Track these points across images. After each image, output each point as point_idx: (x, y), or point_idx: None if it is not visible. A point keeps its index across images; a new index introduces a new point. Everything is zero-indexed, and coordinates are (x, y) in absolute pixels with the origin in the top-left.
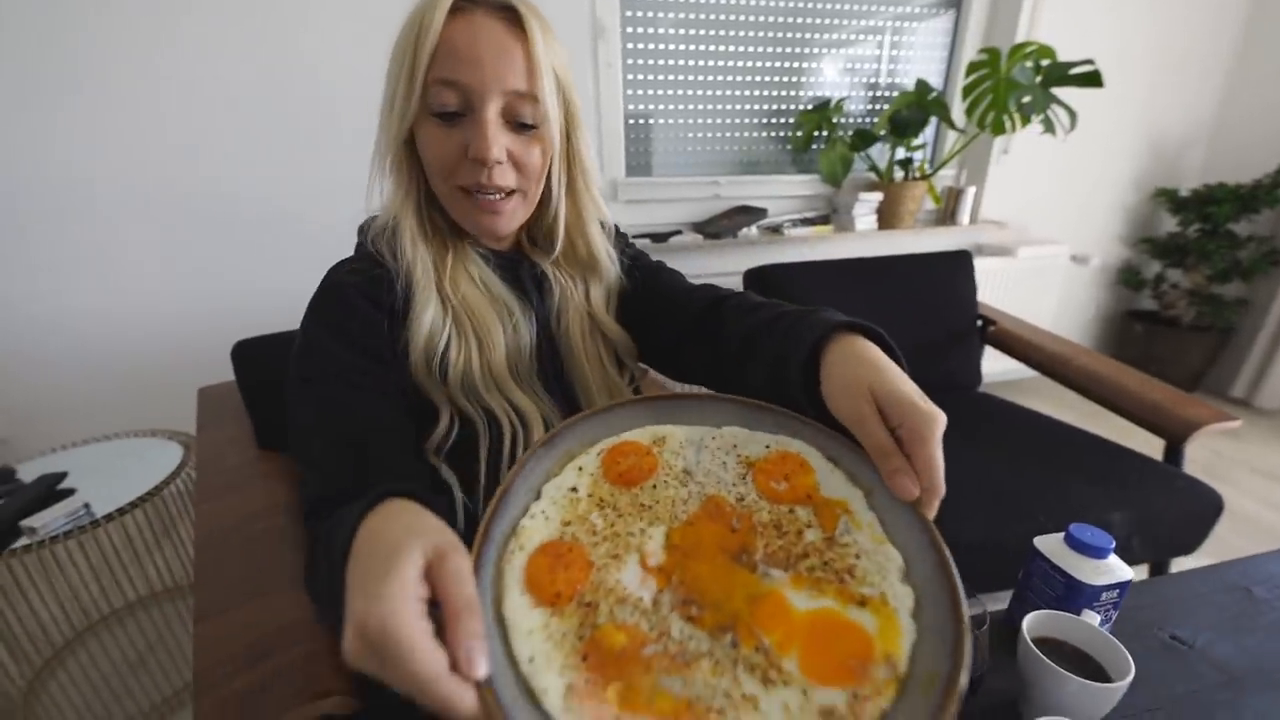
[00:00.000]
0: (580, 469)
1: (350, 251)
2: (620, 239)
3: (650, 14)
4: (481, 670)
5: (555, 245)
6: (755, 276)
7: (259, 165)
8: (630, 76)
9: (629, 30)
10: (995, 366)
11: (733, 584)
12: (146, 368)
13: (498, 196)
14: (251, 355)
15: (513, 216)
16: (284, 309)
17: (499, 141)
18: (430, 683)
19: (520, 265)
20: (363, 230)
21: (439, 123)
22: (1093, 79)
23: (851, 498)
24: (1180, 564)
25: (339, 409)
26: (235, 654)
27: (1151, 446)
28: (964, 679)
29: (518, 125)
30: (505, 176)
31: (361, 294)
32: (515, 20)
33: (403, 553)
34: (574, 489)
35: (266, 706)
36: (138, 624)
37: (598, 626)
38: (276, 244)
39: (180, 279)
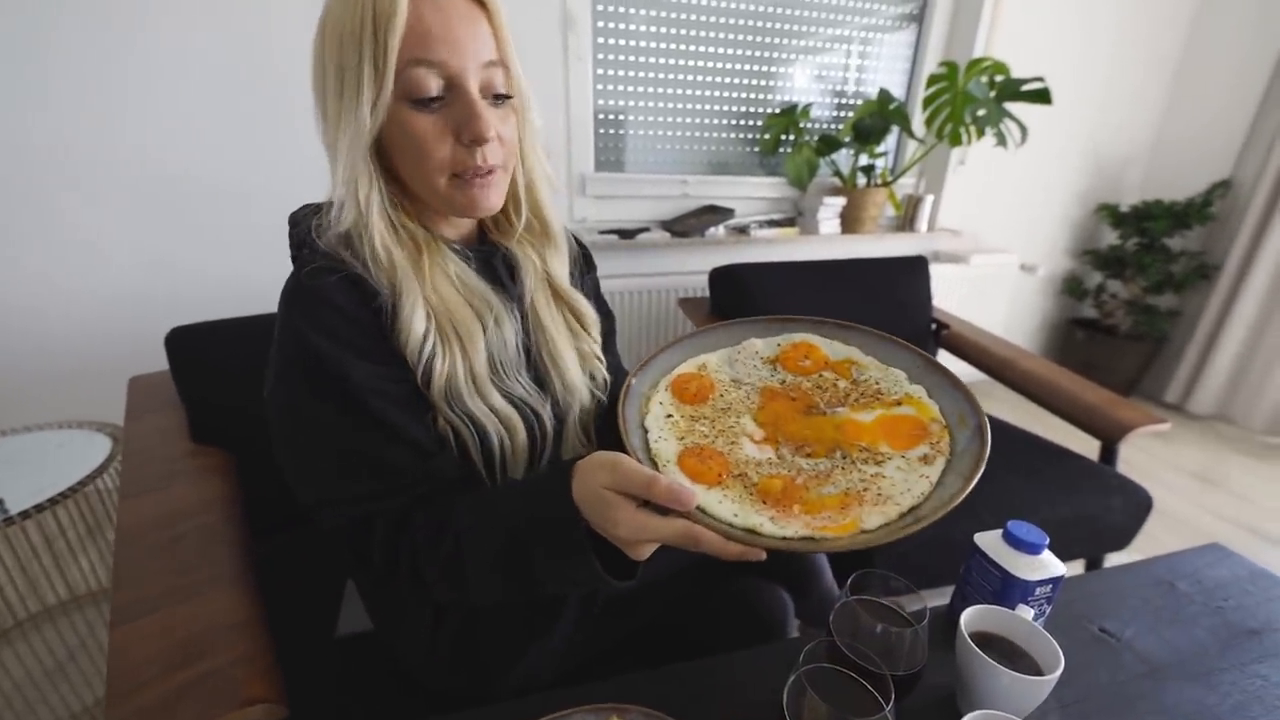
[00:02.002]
0: (661, 403)
1: (284, 236)
2: (586, 261)
3: (622, 9)
4: (691, 501)
5: (521, 216)
6: (721, 275)
7: (203, 147)
8: (601, 72)
9: (600, 25)
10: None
11: (819, 426)
12: (73, 354)
13: (487, 171)
14: (187, 343)
15: (498, 190)
16: (222, 296)
17: (490, 119)
18: (683, 533)
19: (493, 256)
20: (297, 221)
21: (418, 109)
22: (1042, 96)
23: (851, 354)
24: (1113, 559)
25: (375, 421)
26: (154, 659)
27: (1088, 447)
28: (981, 413)
29: (494, 97)
30: (495, 154)
31: (352, 301)
32: None
33: (610, 497)
34: (669, 415)
35: (186, 716)
36: (57, 630)
37: (756, 483)
38: (216, 228)
39: (112, 261)
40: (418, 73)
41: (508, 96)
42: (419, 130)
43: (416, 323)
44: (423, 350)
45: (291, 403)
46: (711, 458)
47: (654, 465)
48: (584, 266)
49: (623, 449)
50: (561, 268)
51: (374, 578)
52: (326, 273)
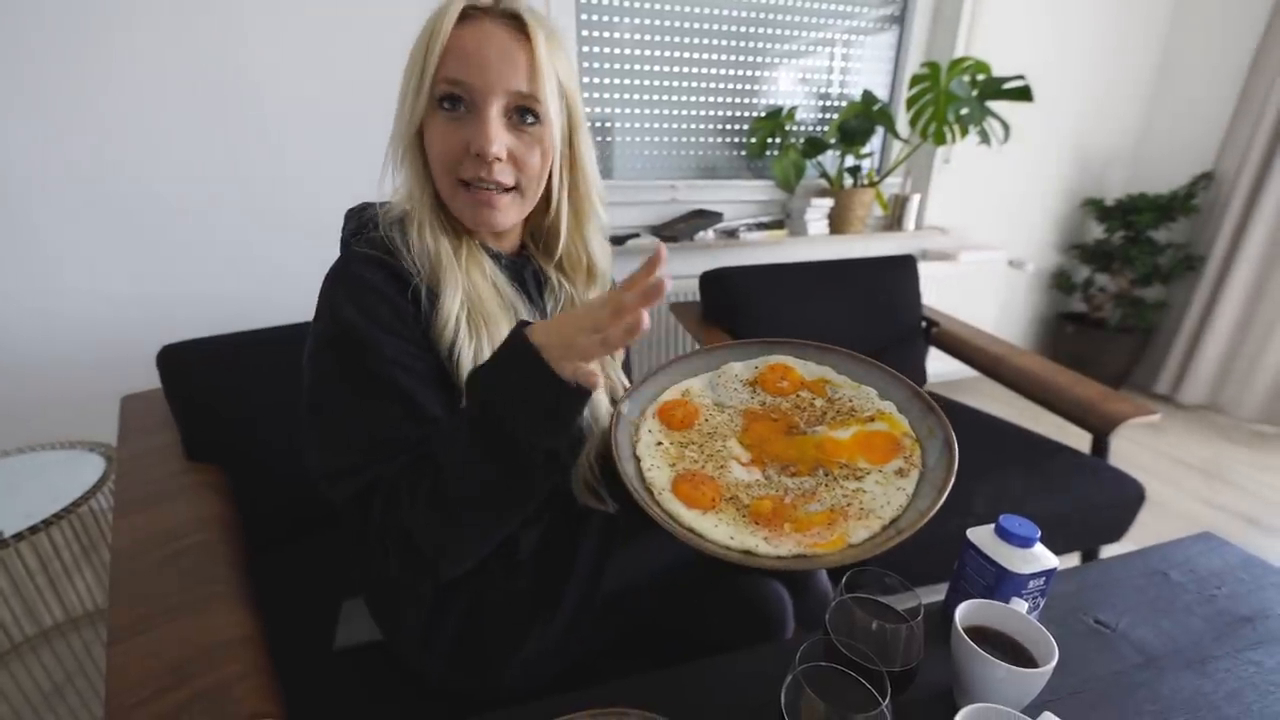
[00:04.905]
0: (650, 430)
1: (272, 250)
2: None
3: (607, 18)
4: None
5: (558, 247)
6: (711, 279)
7: (190, 164)
8: (587, 80)
9: (584, 34)
10: (939, 366)
11: (800, 445)
12: (65, 373)
13: (494, 190)
14: (179, 361)
15: (507, 212)
16: (214, 312)
17: (500, 139)
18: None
19: (525, 268)
20: (353, 215)
21: (445, 118)
22: (1023, 93)
23: (825, 373)
24: (1108, 550)
25: (393, 390)
26: (153, 677)
27: (1081, 441)
28: (948, 427)
29: (519, 125)
30: (504, 174)
31: (390, 285)
32: (521, 28)
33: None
34: (659, 442)
35: None
36: (54, 652)
37: (748, 505)
38: (206, 245)
39: (103, 278)
40: (446, 86)
41: (534, 126)
42: (439, 134)
43: (454, 306)
44: (456, 335)
45: (319, 375)
46: (704, 483)
47: (649, 493)
48: None
49: (620, 485)
50: None
51: (370, 553)
52: (371, 260)
